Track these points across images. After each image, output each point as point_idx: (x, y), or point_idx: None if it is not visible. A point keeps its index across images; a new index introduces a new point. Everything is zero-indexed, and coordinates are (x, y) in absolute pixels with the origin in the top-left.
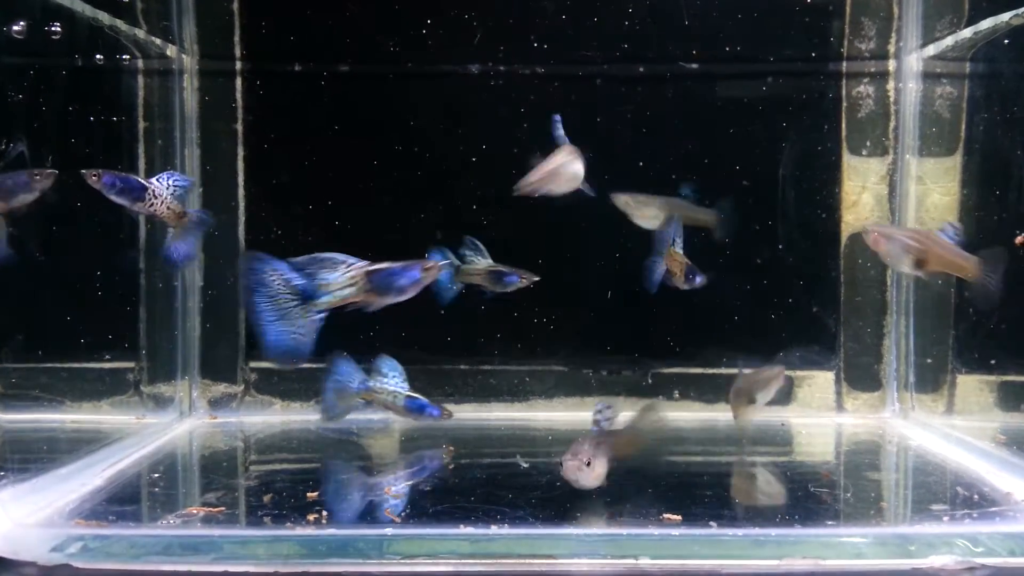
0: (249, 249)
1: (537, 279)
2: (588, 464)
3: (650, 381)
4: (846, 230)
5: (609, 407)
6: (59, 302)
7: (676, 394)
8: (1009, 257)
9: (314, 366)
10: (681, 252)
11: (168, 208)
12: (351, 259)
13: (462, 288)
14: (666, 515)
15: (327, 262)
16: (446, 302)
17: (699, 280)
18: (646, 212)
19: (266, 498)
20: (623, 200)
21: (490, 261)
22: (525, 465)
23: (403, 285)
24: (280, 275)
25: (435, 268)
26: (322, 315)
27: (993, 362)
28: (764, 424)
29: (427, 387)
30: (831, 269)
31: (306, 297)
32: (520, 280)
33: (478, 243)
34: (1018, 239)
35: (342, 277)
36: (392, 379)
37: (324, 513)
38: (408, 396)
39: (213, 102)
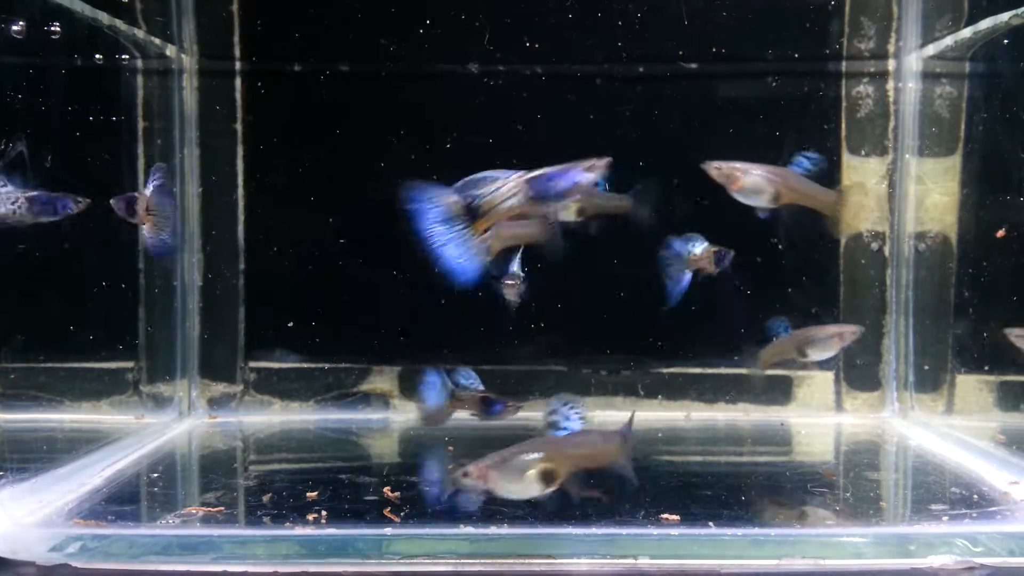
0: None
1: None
2: (466, 476)
3: (647, 383)
4: (846, 230)
5: (568, 404)
6: (58, 302)
7: (660, 397)
8: None
9: (313, 366)
10: (702, 249)
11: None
12: (507, 172)
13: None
14: (665, 515)
15: (486, 180)
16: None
17: (728, 259)
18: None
19: (265, 498)
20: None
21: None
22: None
23: (565, 188)
24: (444, 199)
25: (596, 168)
26: (490, 232)
27: (992, 362)
28: (764, 424)
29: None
30: (830, 269)
31: (473, 215)
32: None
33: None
34: (999, 232)
35: (503, 189)
36: (472, 384)
37: (324, 514)
38: (482, 397)
39: (213, 102)
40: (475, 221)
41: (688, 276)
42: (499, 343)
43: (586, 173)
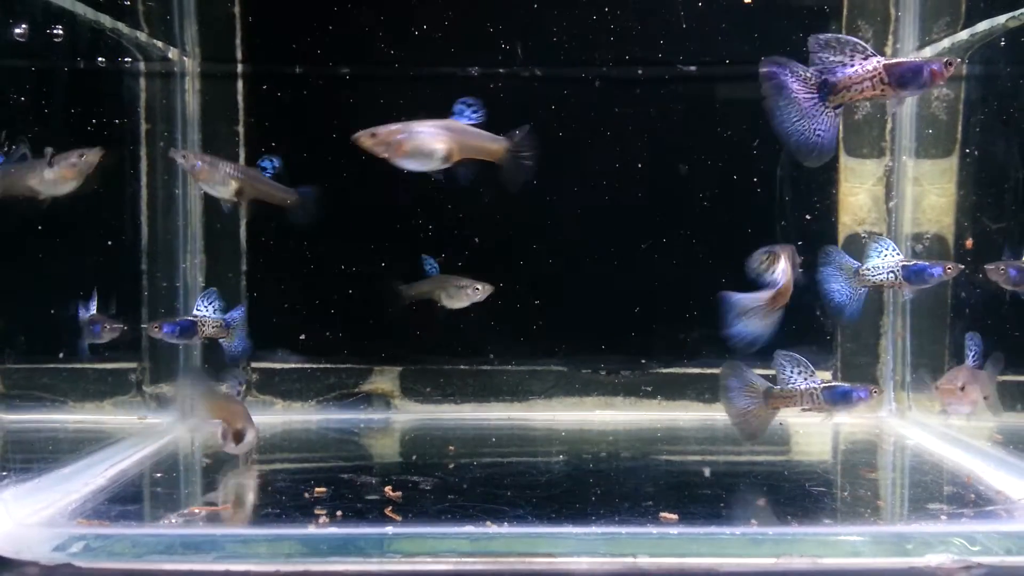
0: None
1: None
2: None
3: (647, 383)
4: (843, 231)
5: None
6: (61, 303)
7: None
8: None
9: (314, 366)
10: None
11: (214, 328)
12: (865, 51)
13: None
14: (663, 514)
15: (846, 47)
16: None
17: (934, 273)
18: (215, 177)
19: (267, 498)
20: (185, 158)
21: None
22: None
23: (923, 81)
24: (798, 74)
25: (951, 68)
26: (840, 110)
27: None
28: None
29: (427, 387)
30: None
31: (824, 92)
32: None
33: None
34: (967, 243)
35: (860, 71)
36: (799, 374)
37: (339, 513)
38: (826, 388)
39: (214, 104)
40: (827, 98)
41: (861, 292)
42: (500, 343)
43: (947, 67)
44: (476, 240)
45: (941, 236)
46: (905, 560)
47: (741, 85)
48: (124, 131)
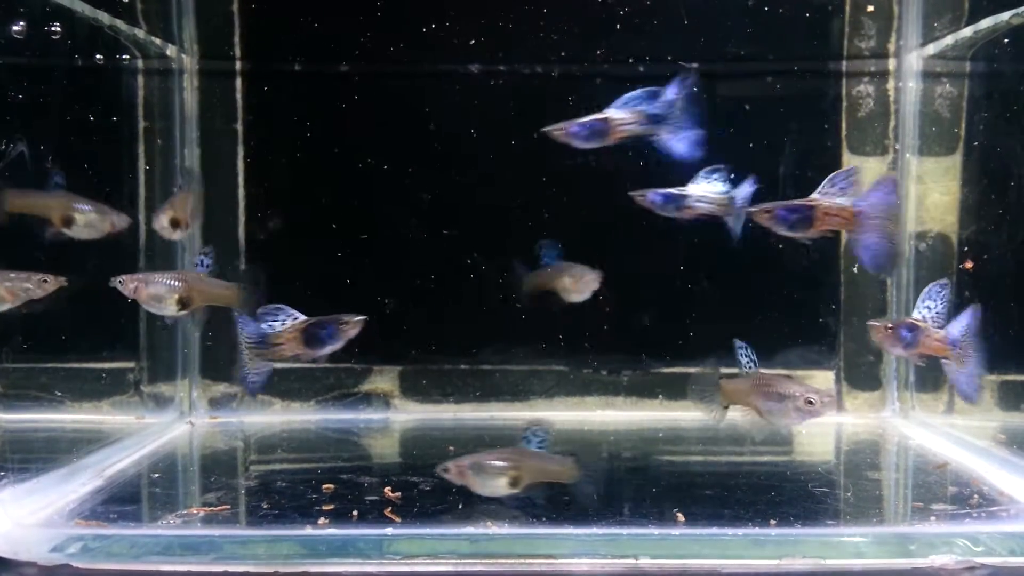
0: None
1: None
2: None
3: (647, 383)
4: None
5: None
6: (60, 302)
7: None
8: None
9: (313, 366)
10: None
11: None
12: None
13: None
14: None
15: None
16: None
17: None
18: None
19: (266, 498)
20: None
21: None
22: None
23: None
24: None
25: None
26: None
27: (993, 361)
28: (764, 423)
29: (427, 387)
30: (831, 268)
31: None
32: None
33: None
34: (967, 264)
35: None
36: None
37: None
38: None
39: (213, 102)
40: None
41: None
42: (500, 343)
43: None
44: (477, 240)
45: (944, 235)
46: (908, 561)
47: (742, 82)
48: (122, 129)
